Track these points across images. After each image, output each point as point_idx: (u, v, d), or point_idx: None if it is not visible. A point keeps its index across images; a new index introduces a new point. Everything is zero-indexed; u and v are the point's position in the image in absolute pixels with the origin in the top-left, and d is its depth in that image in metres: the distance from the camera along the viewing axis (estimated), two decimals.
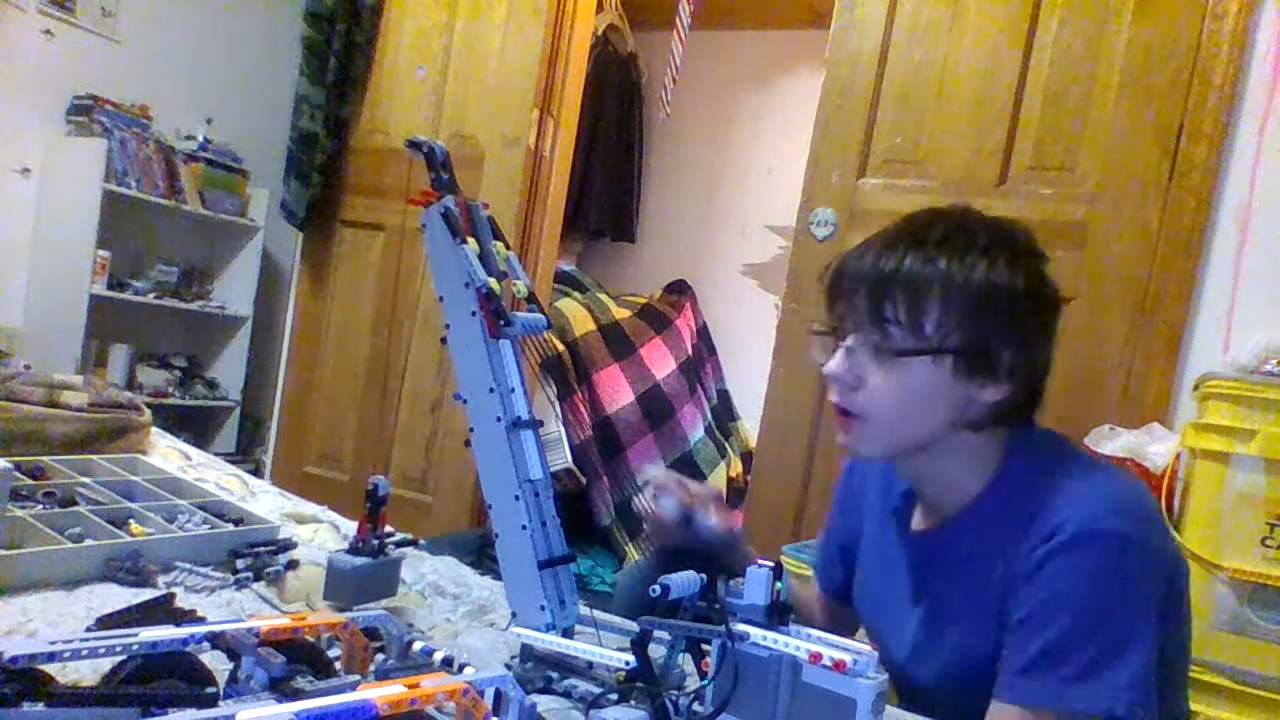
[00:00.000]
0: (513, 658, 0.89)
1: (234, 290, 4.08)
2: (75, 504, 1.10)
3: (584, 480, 3.12)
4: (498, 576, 0.99)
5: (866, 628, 1.12)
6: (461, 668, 0.71)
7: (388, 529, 1.27)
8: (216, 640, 0.65)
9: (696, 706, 0.73)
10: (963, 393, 0.91)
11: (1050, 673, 0.83)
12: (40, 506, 1.06)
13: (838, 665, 0.65)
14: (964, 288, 0.89)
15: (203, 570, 0.99)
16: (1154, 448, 1.78)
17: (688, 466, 3.52)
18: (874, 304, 0.91)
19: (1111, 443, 1.82)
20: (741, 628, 0.70)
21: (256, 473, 2.97)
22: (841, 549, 1.18)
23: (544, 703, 0.80)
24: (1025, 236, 0.96)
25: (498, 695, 0.63)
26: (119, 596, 0.90)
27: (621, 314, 3.64)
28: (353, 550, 0.97)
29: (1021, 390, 0.93)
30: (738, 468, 3.80)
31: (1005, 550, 0.90)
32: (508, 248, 0.91)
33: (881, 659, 1.06)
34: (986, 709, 0.88)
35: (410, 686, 0.58)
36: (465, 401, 0.89)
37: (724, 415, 4.03)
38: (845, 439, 0.97)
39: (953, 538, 0.97)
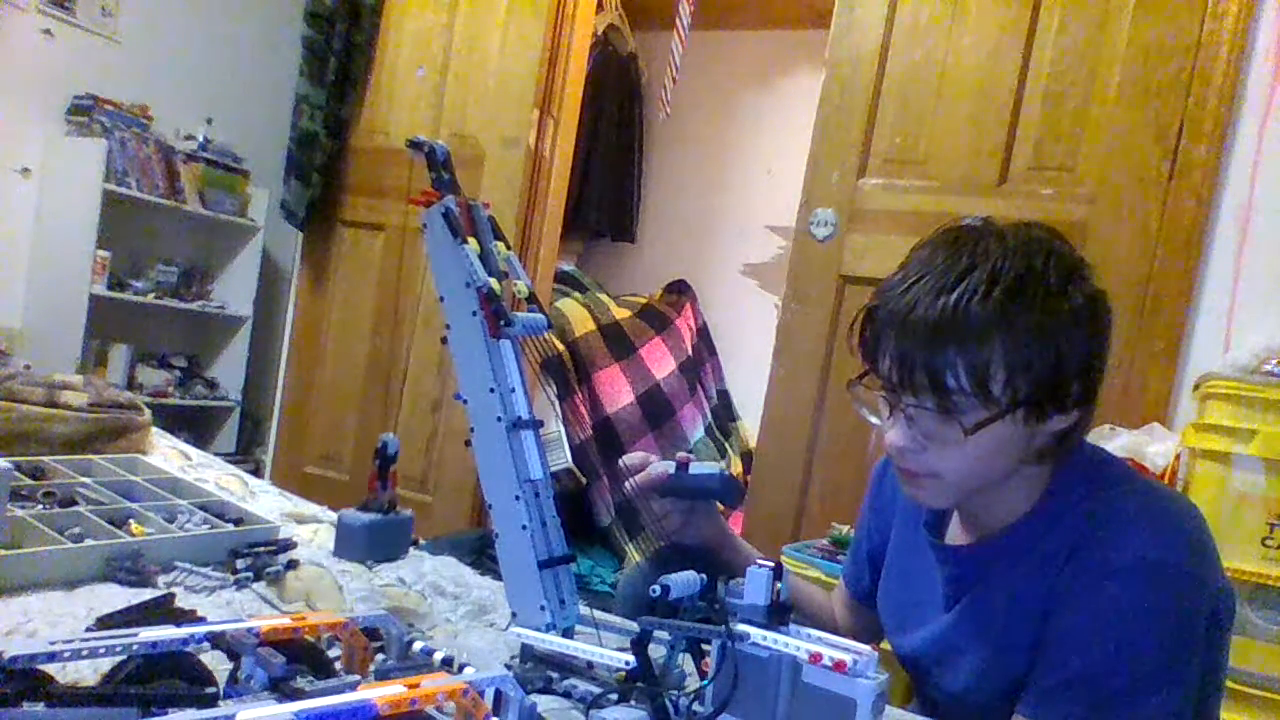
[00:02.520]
0: (513, 658, 0.89)
1: (234, 290, 4.08)
2: (75, 504, 1.10)
3: (584, 480, 3.12)
4: (498, 576, 0.99)
5: (887, 630, 1.11)
6: (461, 668, 0.71)
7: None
8: (216, 640, 0.65)
9: (696, 706, 0.73)
10: (1031, 433, 0.88)
11: (1082, 696, 0.82)
12: (40, 506, 1.06)
13: (838, 665, 0.65)
14: (1024, 332, 0.83)
15: (203, 570, 0.99)
16: (1154, 448, 1.78)
17: None
18: (934, 373, 0.84)
19: (1111, 443, 1.82)
20: (741, 628, 0.70)
21: (256, 473, 2.97)
22: (870, 552, 1.17)
23: (544, 703, 0.80)
24: (1073, 258, 0.88)
25: (498, 695, 0.63)
26: (119, 596, 0.90)
27: (621, 314, 3.64)
28: (363, 508, 0.96)
29: (1088, 411, 0.90)
30: (738, 468, 3.80)
31: (1051, 571, 0.88)
32: (508, 248, 0.91)
33: (905, 663, 1.07)
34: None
35: (410, 686, 0.58)
36: (465, 401, 0.89)
37: (724, 415, 4.03)
38: (916, 494, 0.93)
39: (995, 554, 0.95)
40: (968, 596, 0.97)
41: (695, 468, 0.99)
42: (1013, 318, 0.82)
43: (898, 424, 0.89)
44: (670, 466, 1.00)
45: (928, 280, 0.86)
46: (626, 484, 1.01)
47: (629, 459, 1.03)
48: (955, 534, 1.03)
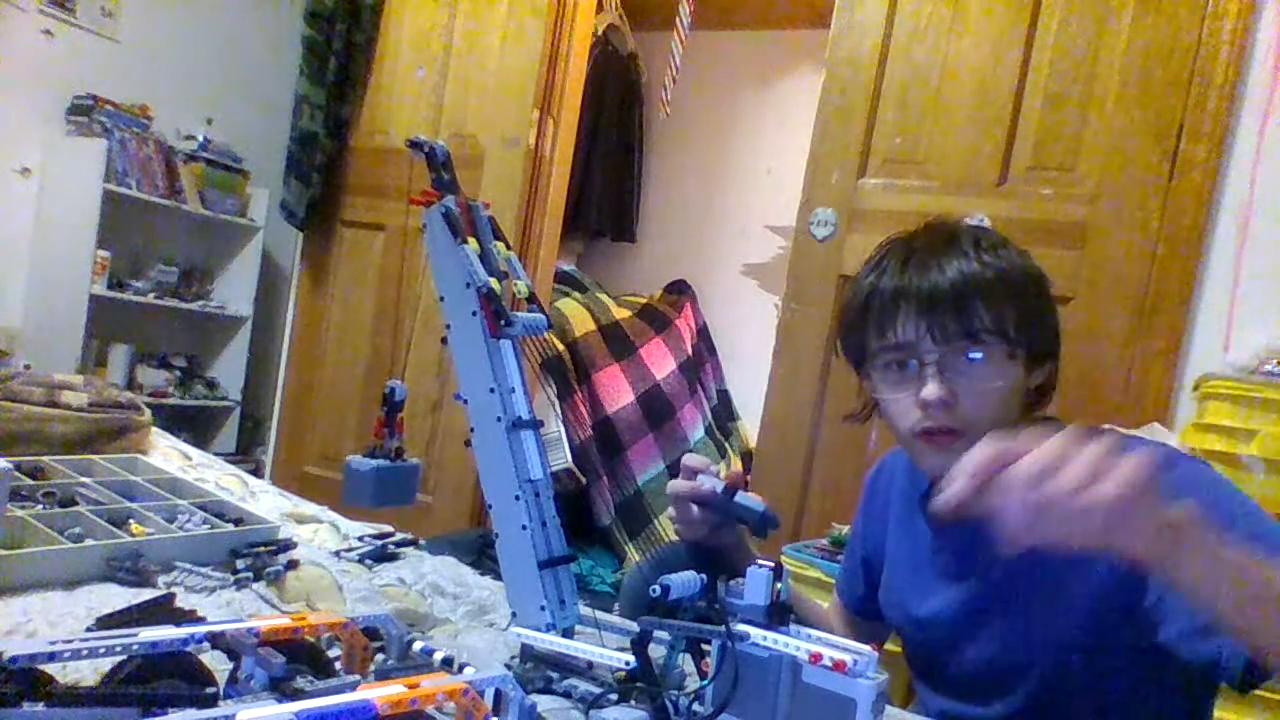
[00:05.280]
0: (513, 658, 0.89)
1: (234, 290, 4.08)
2: (75, 504, 1.10)
3: (584, 480, 3.12)
4: (498, 576, 0.99)
5: (898, 621, 1.11)
6: (461, 668, 0.71)
7: (387, 527, 1.28)
8: (216, 640, 0.65)
9: (696, 706, 0.73)
10: (1027, 380, 0.96)
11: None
12: (40, 506, 1.06)
13: (838, 665, 0.65)
14: (1018, 279, 0.94)
15: (203, 570, 0.99)
16: None
17: None
18: (962, 316, 0.92)
19: None
20: (741, 628, 0.70)
21: (256, 473, 2.97)
22: (865, 559, 1.18)
23: (544, 703, 0.80)
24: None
25: (498, 695, 0.63)
26: (119, 596, 0.90)
27: (621, 314, 3.64)
28: (369, 455, 0.96)
29: (1055, 368, 0.98)
30: (738, 467, 3.80)
31: None
32: (508, 248, 0.91)
33: (915, 650, 1.07)
34: (1043, 687, 0.92)
35: (410, 686, 0.58)
36: (465, 401, 0.89)
37: (724, 415, 4.03)
38: (940, 461, 0.95)
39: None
40: (979, 566, 0.99)
41: (742, 498, 0.98)
42: (1007, 264, 0.94)
43: (928, 380, 0.93)
44: (719, 486, 0.99)
45: (920, 256, 0.96)
46: (668, 485, 1.03)
47: (690, 460, 1.03)
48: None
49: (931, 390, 0.93)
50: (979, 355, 0.93)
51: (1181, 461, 0.93)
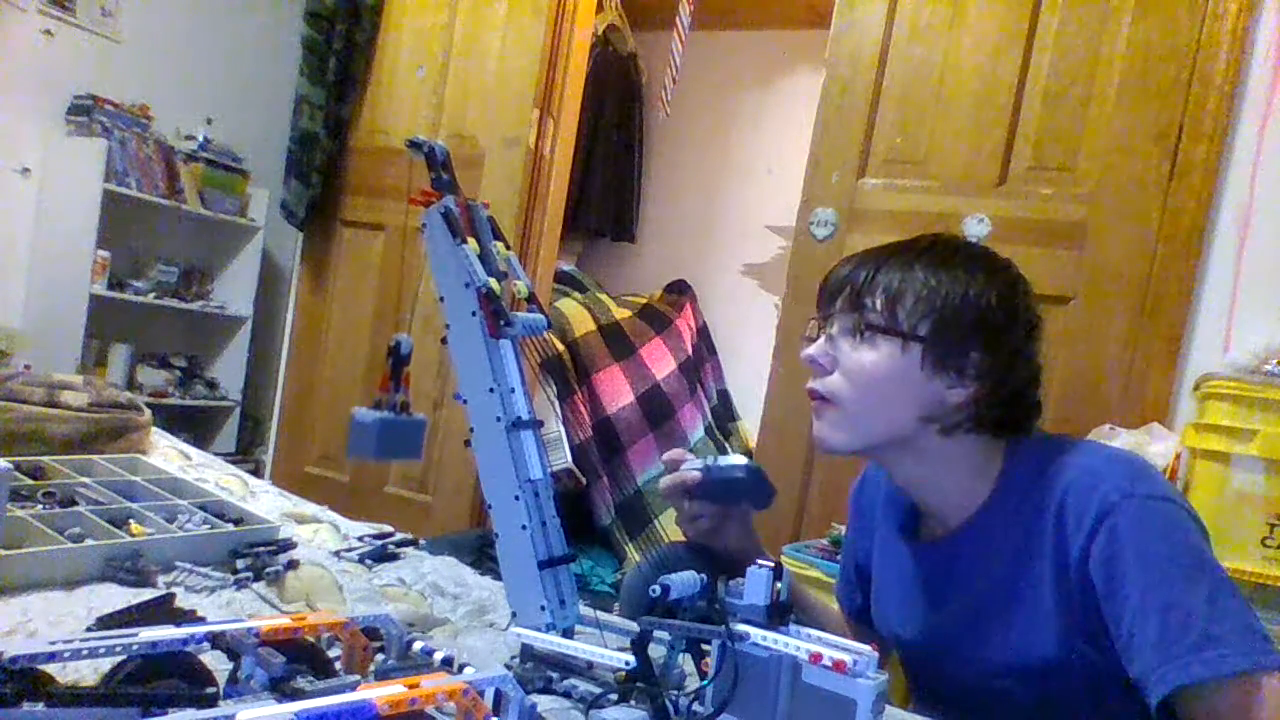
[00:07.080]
0: (513, 658, 0.89)
1: (234, 290, 4.09)
2: (75, 504, 1.10)
3: (584, 480, 3.12)
4: (498, 576, 0.99)
5: (888, 636, 1.11)
6: (461, 668, 0.71)
7: (387, 527, 1.28)
8: (216, 640, 0.65)
9: (696, 706, 0.73)
10: (931, 390, 0.93)
11: (1183, 639, 0.81)
12: (40, 506, 1.06)
13: (838, 665, 0.65)
14: (937, 290, 0.93)
15: (203, 570, 0.99)
16: (1154, 448, 1.78)
17: None
18: (854, 293, 0.96)
19: (1111, 443, 1.82)
20: (741, 628, 0.70)
21: (256, 473, 2.97)
22: (858, 568, 1.18)
23: (544, 703, 0.80)
24: (1005, 261, 0.98)
25: (498, 695, 0.63)
26: (119, 596, 0.90)
27: (621, 314, 3.64)
28: (375, 407, 0.96)
29: (990, 396, 0.93)
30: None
31: (1040, 545, 0.91)
32: (508, 248, 0.91)
33: (908, 666, 1.07)
34: (1032, 700, 0.91)
35: (410, 686, 0.58)
36: (465, 401, 0.89)
37: (724, 415, 4.03)
38: (816, 427, 1.00)
39: (971, 542, 0.97)
40: (957, 588, 0.99)
41: (723, 460, 1.01)
42: (928, 279, 0.93)
43: (817, 341, 0.99)
44: (699, 464, 1.01)
45: (876, 249, 0.99)
46: (661, 481, 1.04)
47: (670, 455, 1.06)
48: (927, 533, 1.05)
49: (809, 349, 0.98)
50: (855, 323, 0.94)
51: (1145, 504, 0.88)
